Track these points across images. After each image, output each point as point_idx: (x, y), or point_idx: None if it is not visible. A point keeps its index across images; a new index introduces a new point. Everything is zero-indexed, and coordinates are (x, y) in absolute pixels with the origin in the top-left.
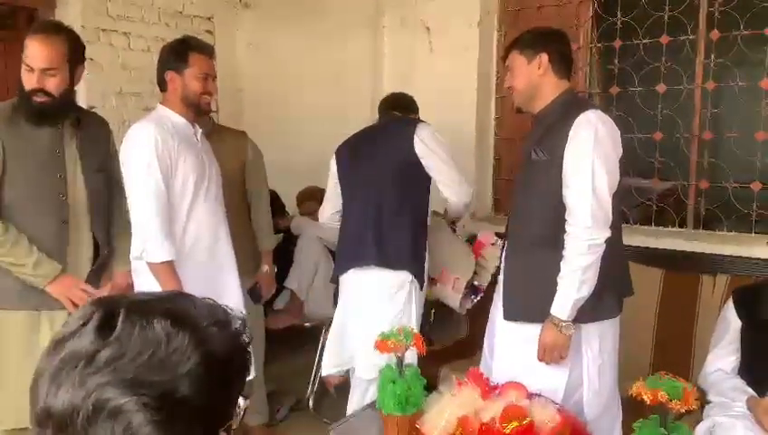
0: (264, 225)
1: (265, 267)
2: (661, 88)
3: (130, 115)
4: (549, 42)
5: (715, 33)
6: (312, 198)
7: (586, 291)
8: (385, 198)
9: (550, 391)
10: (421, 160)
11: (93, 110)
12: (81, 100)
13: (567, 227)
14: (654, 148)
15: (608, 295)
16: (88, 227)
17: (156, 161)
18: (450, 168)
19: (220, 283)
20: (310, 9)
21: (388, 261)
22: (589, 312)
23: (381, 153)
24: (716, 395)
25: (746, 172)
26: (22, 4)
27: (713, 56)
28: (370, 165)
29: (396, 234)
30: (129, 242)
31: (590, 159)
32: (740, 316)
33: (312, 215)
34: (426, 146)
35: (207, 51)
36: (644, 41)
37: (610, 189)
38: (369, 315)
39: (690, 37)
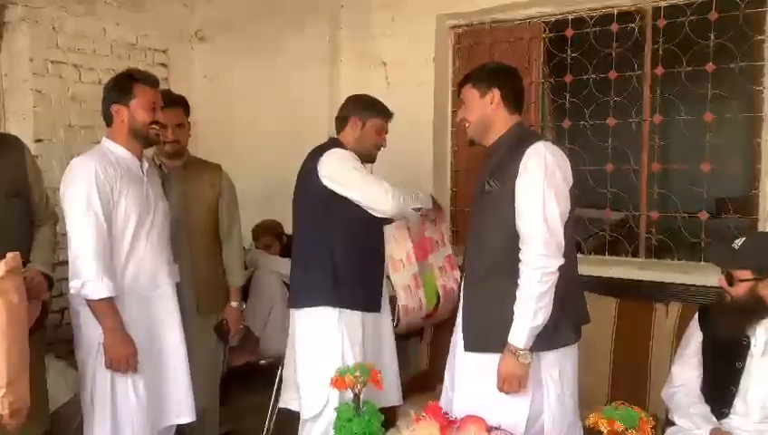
0: (234, 260)
1: (234, 304)
2: (611, 121)
3: (80, 149)
4: (501, 78)
5: (660, 70)
6: (267, 232)
7: (541, 319)
8: (299, 235)
9: (511, 423)
10: (336, 192)
11: (40, 142)
12: (29, 132)
13: (520, 256)
14: (605, 179)
15: (565, 323)
16: None
17: (96, 196)
18: (365, 190)
19: (160, 321)
20: (266, 42)
21: (298, 300)
22: (547, 340)
23: (299, 190)
24: (681, 417)
25: (694, 202)
26: None
27: (658, 91)
28: (294, 201)
29: (304, 272)
30: (49, 243)
31: (541, 188)
32: (702, 330)
33: (269, 249)
34: (333, 181)
35: (151, 81)
36: (593, 76)
37: (562, 218)
38: (298, 354)
39: (637, 73)
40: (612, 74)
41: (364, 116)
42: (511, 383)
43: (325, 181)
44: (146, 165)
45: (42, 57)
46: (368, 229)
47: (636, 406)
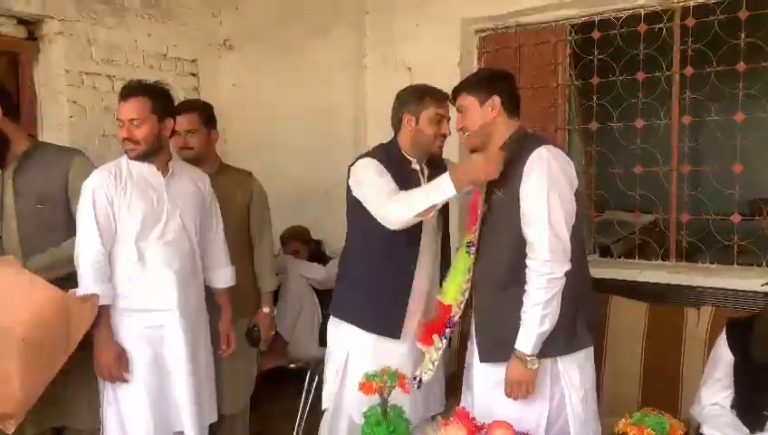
0: (265, 266)
1: (265, 309)
2: (639, 123)
3: (113, 157)
4: (499, 84)
5: (689, 70)
6: (296, 238)
7: (548, 325)
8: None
9: (530, 430)
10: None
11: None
12: (65, 142)
13: (527, 262)
14: (634, 182)
15: (580, 326)
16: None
17: (91, 208)
18: (378, 203)
19: (161, 337)
20: (292, 49)
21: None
22: (566, 345)
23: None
24: (711, 429)
25: (725, 204)
26: (5, 48)
27: (688, 92)
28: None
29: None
30: (60, 249)
31: (545, 194)
32: (732, 351)
33: (297, 254)
34: (355, 191)
35: (121, 95)
36: (621, 78)
37: (568, 222)
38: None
39: (665, 74)
40: (640, 76)
41: (415, 110)
42: (519, 389)
43: (353, 190)
44: (172, 173)
45: (76, 69)
46: (390, 246)
47: (667, 412)
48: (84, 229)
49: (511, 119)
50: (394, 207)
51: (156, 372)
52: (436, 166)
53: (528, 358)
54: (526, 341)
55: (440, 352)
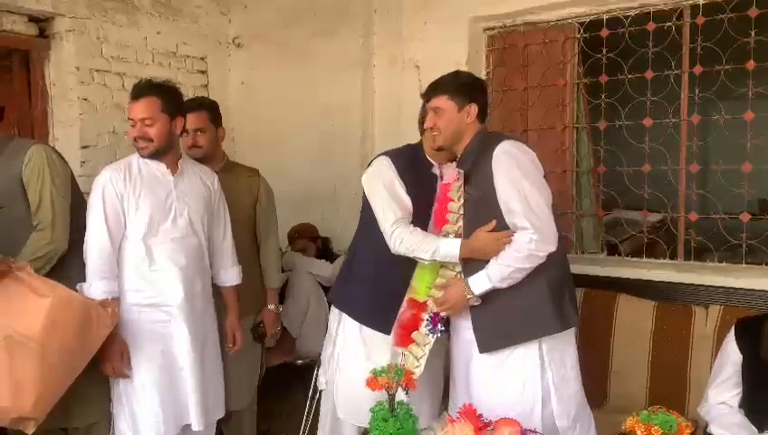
0: (271, 263)
1: (271, 305)
2: (648, 122)
3: (123, 154)
4: (478, 92)
5: (698, 68)
6: (303, 235)
7: (506, 285)
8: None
9: (527, 410)
10: None
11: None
12: (76, 139)
13: (517, 232)
14: (642, 180)
15: (567, 307)
16: None
17: (101, 204)
18: (379, 221)
19: (168, 332)
20: (301, 48)
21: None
22: (556, 323)
23: None
24: (719, 428)
25: (735, 203)
26: (16, 46)
27: (697, 90)
28: None
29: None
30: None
31: (519, 181)
32: (741, 350)
33: (304, 252)
34: (366, 189)
35: (132, 95)
36: (629, 76)
37: (546, 203)
38: None
39: (674, 72)
40: (649, 74)
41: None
42: (447, 307)
43: (366, 193)
44: (181, 170)
45: (87, 66)
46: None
47: (674, 411)
48: (93, 225)
49: (480, 124)
50: (399, 242)
51: (164, 366)
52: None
53: (471, 296)
54: (481, 285)
55: (427, 347)
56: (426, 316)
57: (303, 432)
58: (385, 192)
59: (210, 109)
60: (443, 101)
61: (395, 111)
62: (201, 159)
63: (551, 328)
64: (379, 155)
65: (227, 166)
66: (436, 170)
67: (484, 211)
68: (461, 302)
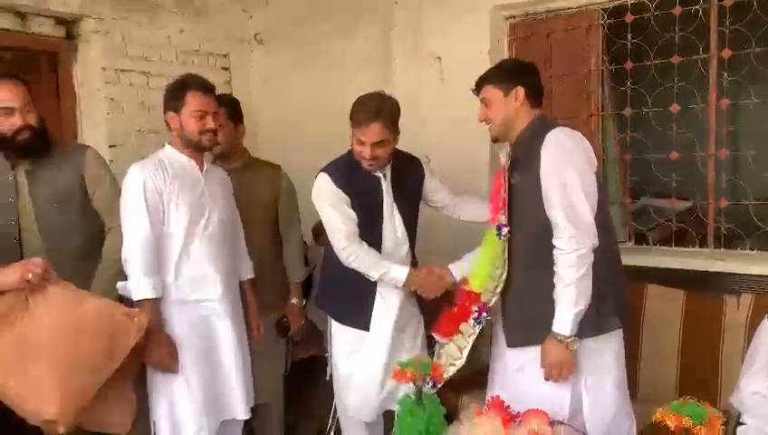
0: (294, 258)
1: (295, 300)
2: (675, 108)
3: (150, 152)
4: (524, 75)
5: (727, 52)
6: None
7: (583, 303)
8: None
9: (554, 412)
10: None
11: (114, 148)
12: (103, 138)
13: (554, 242)
14: (670, 168)
15: (606, 309)
16: (43, 250)
17: (143, 203)
18: (329, 234)
19: (210, 326)
20: (322, 43)
21: None
22: (590, 327)
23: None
24: (752, 418)
25: (766, 189)
26: (45, 48)
27: (725, 74)
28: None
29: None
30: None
31: (564, 172)
32: None
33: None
34: (315, 203)
35: (204, 88)
36: (655, 62)
37: (589, 198)
38: None
39: (702, 56)
40: (675, 59)
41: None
42: (560, 371)
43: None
44: (206, 168)
45: (113, 66)
46: None
47: (706, 401)
48: (134, 221)
49: (533, 109)
50: (352, 258)
51: (206, 361)
52: (401, 170)
53: (568, 339)
54: (563, 322)
55: (472, 338)
56: (475, 308)
57: (332, 426)
58: (330, 210)
59: (229, 105)
60: (489, 91)
61: (416, 106)
62: (220, 156)
63: (583, 331)
64: (320, 170)
65: (248, 162)
66: (378, 173)
67: (527, 197)
68: (565, 355)
